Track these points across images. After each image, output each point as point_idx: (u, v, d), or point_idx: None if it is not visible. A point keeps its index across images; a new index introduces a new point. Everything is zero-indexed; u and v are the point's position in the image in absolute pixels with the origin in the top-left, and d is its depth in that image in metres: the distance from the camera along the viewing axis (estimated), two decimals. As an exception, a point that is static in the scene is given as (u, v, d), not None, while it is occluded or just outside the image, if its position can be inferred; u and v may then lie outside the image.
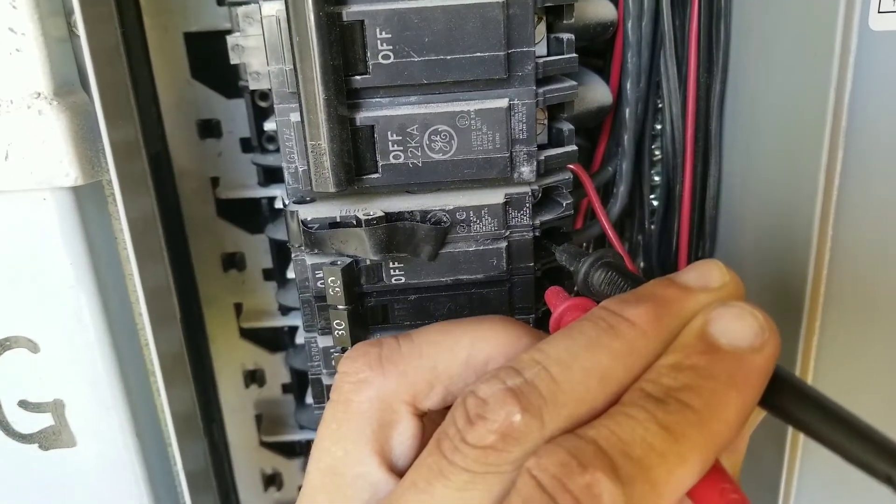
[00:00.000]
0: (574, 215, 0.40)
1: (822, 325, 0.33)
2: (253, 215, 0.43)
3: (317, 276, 0.31)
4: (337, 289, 0.30)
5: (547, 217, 0.32)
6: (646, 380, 0.20)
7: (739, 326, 0.20)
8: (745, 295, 0.22)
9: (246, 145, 0.42)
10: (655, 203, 0.42)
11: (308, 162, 0.28)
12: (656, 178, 0.42)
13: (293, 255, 0.32)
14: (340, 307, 0.31)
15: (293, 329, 0.45)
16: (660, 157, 0.41)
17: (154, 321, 0.34)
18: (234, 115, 0.41)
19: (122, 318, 0.33)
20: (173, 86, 0.41)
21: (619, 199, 0.39)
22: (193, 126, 0.42)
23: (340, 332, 0.31)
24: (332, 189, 0.28)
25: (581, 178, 0.34)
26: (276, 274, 0.44)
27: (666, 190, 0.41)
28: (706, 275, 0.22)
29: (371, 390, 0.23)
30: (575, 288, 0.29)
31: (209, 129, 0.42)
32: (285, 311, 0.45)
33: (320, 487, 0.23)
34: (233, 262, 0.45)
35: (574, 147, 0.33)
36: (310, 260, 0.31)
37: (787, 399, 0.20)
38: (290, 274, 0.41)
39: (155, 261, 0.36)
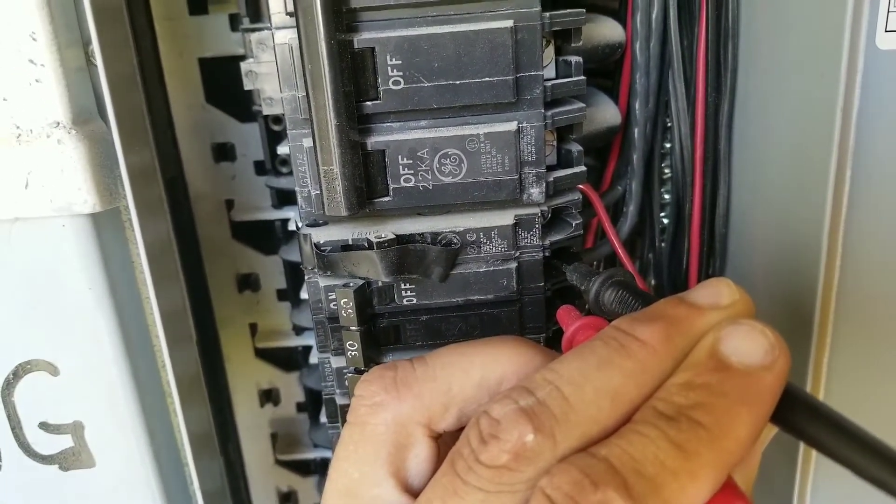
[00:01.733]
0: (584, 235, 0.41)
1: (833, 341, 0.33)
2: (267, 237, 0.44)
3: (330, 297, 0.32)
4: (349, 310, 0.31)
5: (557, 237, 0.33)
6: (657, 398, 0.20)
7: (750, 345, 0.20)
8: (755, 312, 0.22)
9: (260, 168, 0.43)
10: (665, 221, 0.42)
11: (321, 186, 0.29)
12: (666, 197, 0.42)
13: (306, 277, 0.33)
14: (353, 328, 0.31)
15: (307, 349, 0.46)
16: (669, 175, 0.42)
17: (170, 343, 0.35)
18: (248, 139, 0.42)
19: (140, 341, 0.34)
20: (188, 110, 0.41)
21: (629, 218, 0.39)
22: (208, 150, 0.42)
23: (353, 353, 0.31)
24: (344, 213, 0.29)
25: (590, 197, 0.34)
26: (290, 294, 0.45)
27: (676, 208, 0.41)
28: (716, 293, 0.22)
29: (387, 413, 0.23)
30: (586, 306, 0.29)
31: (224, 152, 0.43)
32: (299, 331, 0.45)
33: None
34: (248, 282, 0.45)
35: (583, 168, 0.33)
36: (323, 282, 0.32)
37: (799, 415, 0.20)
38: (304, 294, 0.41)
39: (171, 283, 0.37)
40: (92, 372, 0.32)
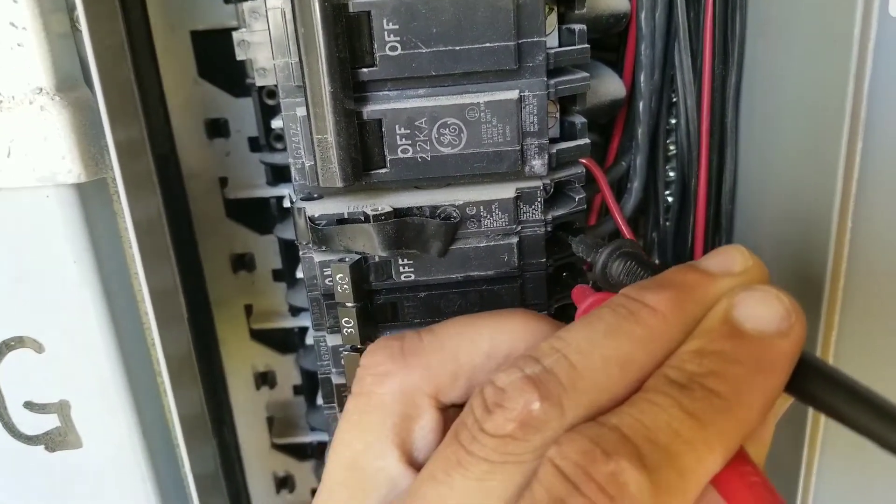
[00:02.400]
0: (588, 211, 0.40)
1: (842, 319, 0.32)
2: (262, 215, 0.43)
3: (325, 273, 0.31)
4: (345, 286, 0.30)
5: (559, 212, 0.32)
6: (669, 366, 0.19)
7: (765, 310, 0.19)
8: (770, 279, 0.21)
9: (254, 145, 0.41)
10: (670, 199, 0.41)
11: (315, 157, 0.28)
12: (671, 174, 0.41)
13: (301, 253, 0.32)
14: (349, 305, 0.30)
15: (303, 330, 0.45)
16: (675, 152, 0.41)
17: (160, 322, 0.34)
18: (243, 115, 0.41)
19: (129, 318, 0.33)
20: (180, 85, 0.40)
21: (634, 195, 0.38)
22: (201, 126, 0.41)
23: (349, 331, 0.30)
24: (339, 184, 0.28)
25: (594, 172, 0.33)
26: (285, 275, 0.44)
27: (681, 185, 0.40)
28: (728, 260, 0.21)
29: (393, 383, 0.22)
30: (591, 281, 0.28)
31: (217, 128, 0.41)
32: (295, 311, 0.44)
33: (340, 481, 0.22)
34: (242, 262, 0.44)
35: (587, 140, 0.32)
36: (318, 257, 0.31)
37: (815, 383, 0.19)
38: (300, 274, 0.40)
39: (161, 261, 0.36)
40: (78, 349, 0.31)
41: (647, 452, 0.18)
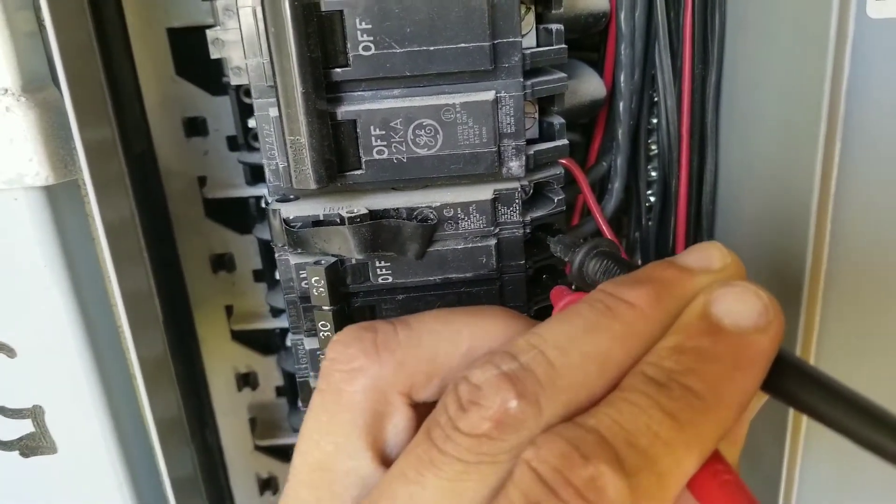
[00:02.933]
0: (569, 213, 0.39)
1: (822, 317, 0.32)
2: (241, 215, 0.42)
3: (301, 276, 0.30)
4: (321, 289, 0.29)
5: (538, 213, 0.31)
6: (647, 363, 0.19)
7: (743, 307, 0.19)
8: (747, 276, 0.21)
9: (233, 143, 0.41)
10: (652, 199, 0.41)
11: (288, 158, 0.27)
12: (653, 174, 0.41)
13: (277, 255, 0.31)
14: (325, 308, 0.30)
15: (285, 331, 0.44)
16: (656, 152, 0.40)
17: (133, 325, 0.33)
18: (220, 113, 0.41)
19: (102, 321, 0.32)
20: (157, 83, 0.40)
21: (615, 195, 0.38)
22: (179, 124, 0.41)
23: (326, 334, 0.30)
24: (312, 186, 0.27)
25: (574, 172, 0.33)
26: (266, 275, 0.43)
27: (662, 185, 0.40)
28: (707, 256, 0.21)
29: (365, 379, 0.21)
30: (571, 282, 0.28)
31: (195, 127, 0.41)
32: (276, 312, 0.44)
33: (307, 482, 0.22)
34: (222, 263, 0.44)
35: (565, 141, 0.32)
36: (293, 259, 0.30)
37: (792, 381, 0.19)
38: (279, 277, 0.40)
39: (134, 263, 0.35)
40: (51, 354, 0.30)
41: (625, 456, 0.17)
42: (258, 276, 0.44)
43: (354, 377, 0.21)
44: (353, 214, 0.29)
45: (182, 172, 0.41)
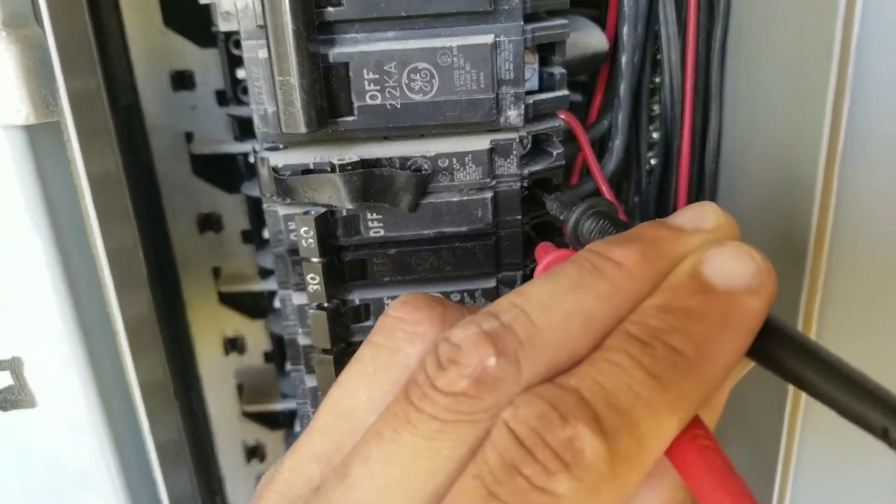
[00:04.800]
0: (568, 173, 0.38)
1: (826, 282, 0.31)
2: (229, 173, 0.41)
3: (290, 227, 0.29)
4: (310, 240, 0.28)
5: (536, 167, 0.30)
6: (631, 321, 0.18)
7: (735, 267, 0.18)
8: (741, 238, 0.20)
9: (221, 98, 0.40)
10: (653, 161, 0.40)
11: (277, 101, 0.26)
12: (654, 136, 0.40)
13: (265, 206, 0.30)
14: (314, 260, 0.29)
15: (273, 294, 0.43)
16: (658, 112, 0.39)
17: (118, 282, 0.32)
18: (209, 66, 0.39)
19: (85, 275, 0.31)
20: (144, 34, 0.38)
21: (615, 154, 0.36)
22: (166, 77, 0.39)
23: (315, 287, 0.29)
24: (302, 129, 0.26)
25: (573, 127, 0.32)
26: (254, 236, 0.42)
27: (664, 147, 0.39)
28: (700, 216, 0.20)
29: (424, 346, 0.21)
30: (569, 243, 0.27)
31: (182, 80, 0.40)
32: (265, 274, 0.43)
33: (324, 430, 0.21)
34: (209, 223, 0.43)
35: (566, 92, 0.31)
36: (282, 210, 0.29)
37: (778, 347, 0.18)
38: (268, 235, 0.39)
39: (120, 219, 0.34)
40: (29, 303, 0.29)
41: (605, 417, 0.16)
42: (246, 236, 0.43)
43: (415, 340, 0.20)
44: (344, 162, 0.28)
45: (169, 127, 0.40)
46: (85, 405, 0.31)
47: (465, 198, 0.29)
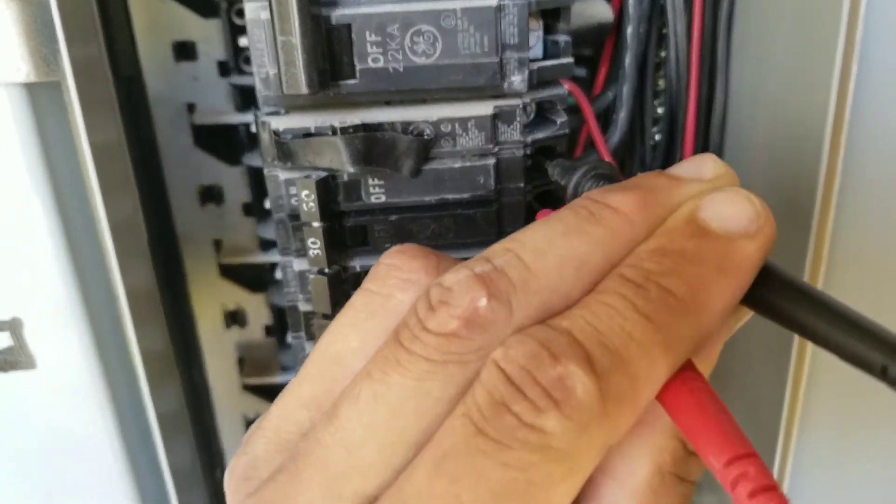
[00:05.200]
0: (572, 146, 0.38)
1: (831, 251, 0.30)
2: (231, 145, 0.41)
3: (291, 192, 0.29)
4: (311, 203, 0.28)
5: (540, 135, 0.30)
6: (626, 265, 0.18)
7: (733, 211, 0.18)
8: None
9: (223, 69, 0.39)
10: (658, 136, 0.40)
11: (279, 62, 0.26)
12: (659, 111, 0.40)
13: (266, 172, 0.30)
14: (315, 224, 0.29)
15: (275, 266, 0.43)
16: (663, 87, 0.39)
17: (120, 252, 0.32)
18: (211, 36, 0.39)
19: (86, 240, 0.31)
20: (146, 4, 0.38)
21: (619, 126, 0.36)
22: (168, 48, 0.39)
23: (316, 252, 0.29)
24: (304, 90, 0.26)
25: (577, 98, 0.32)
26: (255, 208, 0.42)
27: (669, 122, 0.39)
28: (700, 166, 0.20)
29: (417, 293, 0.20)
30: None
31: (185, 51, 0.39)
32: (266, 246, 0.43)
33: (313, 376, 0.21)
34: (211, 194, 0.42)
35: (570, 59, 0.30)
36: (283, 175, 0.29)
37: (775, 293, 0.18)
38: (269, 205, 0.38)
39: (122, 189, 0.34)
40: (29, 263, 0.29)
41: (597, 356, 0.16)
42: (248, 209, 0.43)
43: (409, 288, 0.20)
44: (346, 125, 0.27)
45: (170, 98, 0.40)
46: (85, 368, 0.31)
47: (468, 164, 0.29)
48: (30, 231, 0.29)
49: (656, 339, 0.17)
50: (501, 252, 0.18)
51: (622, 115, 0.36)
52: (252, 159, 0.39)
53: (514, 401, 0.16)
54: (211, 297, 0.45)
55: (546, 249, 0.18)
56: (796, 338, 0.32)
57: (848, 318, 0.17)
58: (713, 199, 0.19)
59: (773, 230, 0.18)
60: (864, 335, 0.16)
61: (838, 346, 0.17)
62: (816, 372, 0.33)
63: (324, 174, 0.28)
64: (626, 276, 0.18)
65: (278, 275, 0.42)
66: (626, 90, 0.36)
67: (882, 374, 0.16)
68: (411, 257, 0.20)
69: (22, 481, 0.32)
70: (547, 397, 0.16)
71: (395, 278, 0.20)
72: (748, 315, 0.20)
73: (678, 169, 0.20)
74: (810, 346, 0.32)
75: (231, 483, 0.20)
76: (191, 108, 0.40)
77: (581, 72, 0.39)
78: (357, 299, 0.21)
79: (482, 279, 0.18)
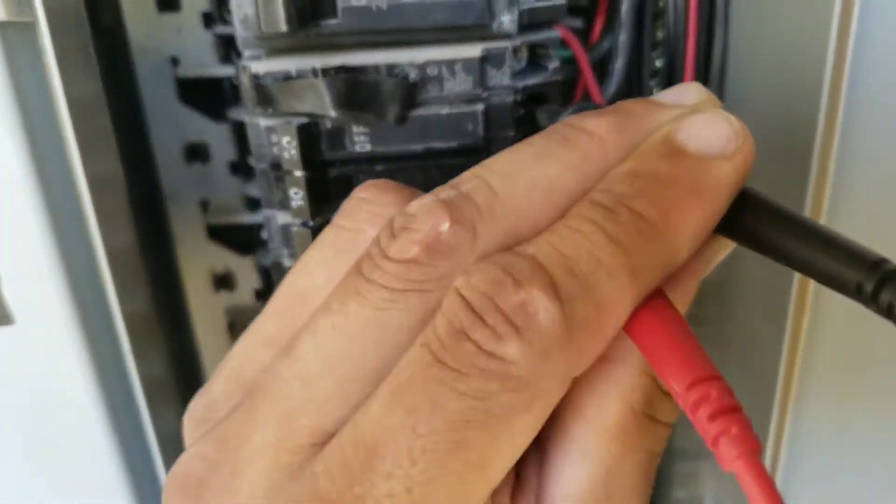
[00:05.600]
0: (568, 98, 0.37)
1: (831, 202, 0.29)
2: (216, 100, 0.40)
3: (272, 141, 0.28)
4: (293, 151, 0.27)
5: (531, 81, 0.29)
6: (597, 189, 0.17)
7: (710, 131, 0.17)
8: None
9: (208, 20, 0.38)
10: (655, 91, 0.39)
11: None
12: (657, 63, 0.38)
13: (247, 120, 0.29)
14: (297, 173, 0.27)
15: (262, 227, 0.42)
16: (661, 38, 0.38)
17: (100, 212, 0.31)
18: (194, -14, 0.38)
19: (63, 197, 0.30)
20: (126, -49, 0.37)
21: (616, 77, 0.35)
22: (150, -2, 0.38)
23: (298, 203, 0.28)
24: (283, 27, 0.25)
25: (572, 46, 0.31)
26: (242, 167, 0.41)
27: (667, 74, 0.37)
28: (682, 93, 0.19)
29: None
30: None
31: (168, 1, 0.38)
32: (253, 205, 0.42)
33: (278, 312, 0.20)
34: (197, 153, 0.41)
35: (563, 0, 0.29)
36: (264, 122, 0.28)
37: (752, 218, 0.17)
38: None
39: (102, 144, 0.33)
40: (6, 216, 0.28)
41: (562, 282, 0.16)
42: (235, 168, 0.42)
43: (379, 222, 0.19)
44: (328, 66, 0.26)
45: (154, 51, 0.39)
46: (63, 323, 0.30)
47: (455, 111, 0.28)
48: (5, 182, 0.28)
49: (624, 264, 0.16)
50: (468, 178, 0.18)
51: (619, 65, 0.35)
52: (238, 114, 0.38)
53: (473, 328, 0.15)
54: (199, 260, 0.44)
55: (515, 174, 0.17)
56: (794, 293, 0.31)
57: (821, 236, 0.16)
58: (690, 120, 0.18)
59: (751, 152, 0.17)
60: (838, 253, 0.16)
61: (814, 267, 0.16)
62: (816, 329, 0.32)
63: (306, 120, 0.27)
64: (595, 200, 0.17)
65: (265, 234, 0.41)
66: (623, 39, 0.34)
67: (857, 293, 0.15)
68: (383, 190, 0.20)
69: (-1, 438, 0.32)
70: (507, 323, 0.15)
71: (366, 212, 0.19)
72: (728, 249, 0.19)
73: (660, 96, 0.19)
74: (809, 301, 0.31)
75: (188, 425, 0.20)
76: (174, 61, 0.39)
77: (577, 23, 0.38)
78: (326, 235, 0.20)
79: (446, 204, 0.17)
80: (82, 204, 0.31)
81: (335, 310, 0.17)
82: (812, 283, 0.31)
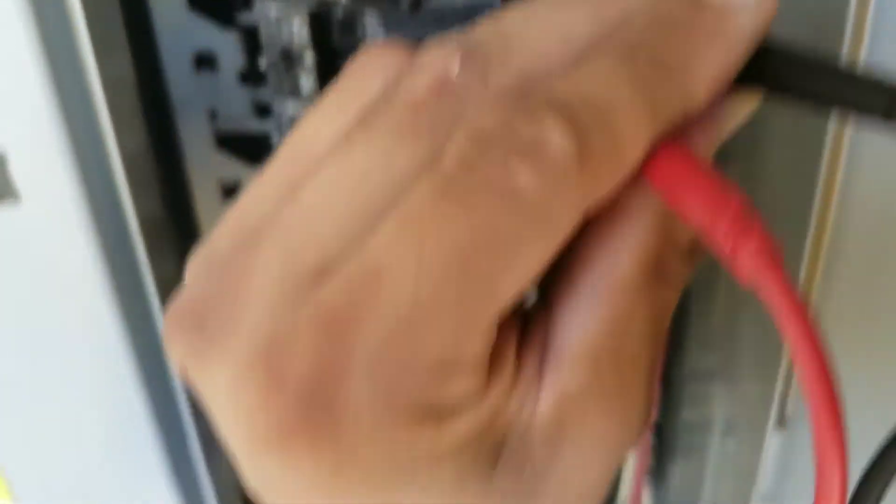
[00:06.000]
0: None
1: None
2: (225, 4, 0.39)
3: (283, 28, 0.28)
4: (303, 34, 0.27)
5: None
6: (614, 34, 0.17)
7: None
8: None
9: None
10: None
11: None
12: None
13: (257, 8, 0.29)
14: (308, 60, 0.27)
15: (272, 138, 0.42)
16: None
17: (115, 114, 0.31)
18: None
19: (73, 81, 0.30)
20: None
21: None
22: None
23: (308, 91, 0.28)
24: None
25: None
26: (251, 75, 0.41)
27: None
28: None
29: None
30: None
31: None
32: (263, 112, 0.42)
33: (283, 165, 0.19)
34: (205, 60, 0.41)
35: None
36: (274, 11, 0.28)
37: (774, 65, 0.18)
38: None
39: (115, 48, 0.33)
40: (12, 94, 0.28)
41: (576, 112, 0.15)
42: (244, 77, 0.42)
43: (387, 75, 0.19)
44: (340, -53, 0.26)
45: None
46: (70, 200, 0.31)
47: (474, 2, 0.28)
48: (13, 61, 0.28)
49: (641, 100, 0.16)
50: (483, 25, 0.18)
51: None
52: (248, 18, 0.38)
53: (481, 159, 0.15)
54: (207, 170, 0.44)
55: (529, 18, 0.17)
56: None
57: (844, 71, 0.17)
58: None
59: (773, 5, 0.18)
60: (862, 83, 0.16)
61: (840, 99, 0.17)
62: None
63: (316, 7, 0.27)
64: (613, 42, 0.17)
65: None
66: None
67: (886, 116, 0.15)
68: (391, 46, 0.19)
69: (3, 318, 0.32)
70: (517, 153, 0.15)
71: (373, 67, 0.19)
72: (751, 106, 0.19)
73: None
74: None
75: (189, 271, 0.20)
76: (182, -36, 0.39)
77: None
78: (330, 95, 0.20)
79: (456, 47, 0.17)
80: (95, 104, 0.31)
81: (341, 155, 0.17)
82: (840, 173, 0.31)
